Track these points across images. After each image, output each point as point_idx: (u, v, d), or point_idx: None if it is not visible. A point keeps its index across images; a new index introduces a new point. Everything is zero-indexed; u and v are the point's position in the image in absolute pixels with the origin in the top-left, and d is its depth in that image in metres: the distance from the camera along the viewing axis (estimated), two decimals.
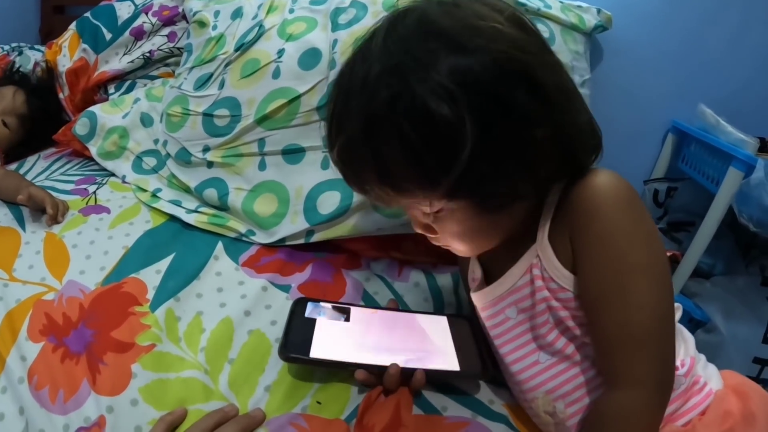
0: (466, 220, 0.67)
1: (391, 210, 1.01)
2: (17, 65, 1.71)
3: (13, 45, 1.85)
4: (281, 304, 0.93)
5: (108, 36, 1.62)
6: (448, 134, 0.58)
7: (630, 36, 1.62)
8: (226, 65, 1.23)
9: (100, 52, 1.61)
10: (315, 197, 1.07)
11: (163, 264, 0.99)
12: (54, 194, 1.17)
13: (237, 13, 1.34)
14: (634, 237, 0.64)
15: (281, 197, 1.10)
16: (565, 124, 0.63)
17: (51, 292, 0.94)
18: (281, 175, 1.12)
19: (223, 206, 1.15)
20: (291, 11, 1.27)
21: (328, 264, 1.05)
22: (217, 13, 1.39)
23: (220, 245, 1.07)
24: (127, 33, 1.61)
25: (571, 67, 1.33)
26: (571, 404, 0.70)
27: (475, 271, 0.84)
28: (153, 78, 1.62)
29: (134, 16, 1.64)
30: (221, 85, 1.22)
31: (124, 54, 1.61)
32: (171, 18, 1.62)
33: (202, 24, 1.40)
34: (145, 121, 1.37)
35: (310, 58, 1.14)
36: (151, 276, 0.97)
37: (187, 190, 1.21)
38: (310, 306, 0.88)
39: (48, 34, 2.19)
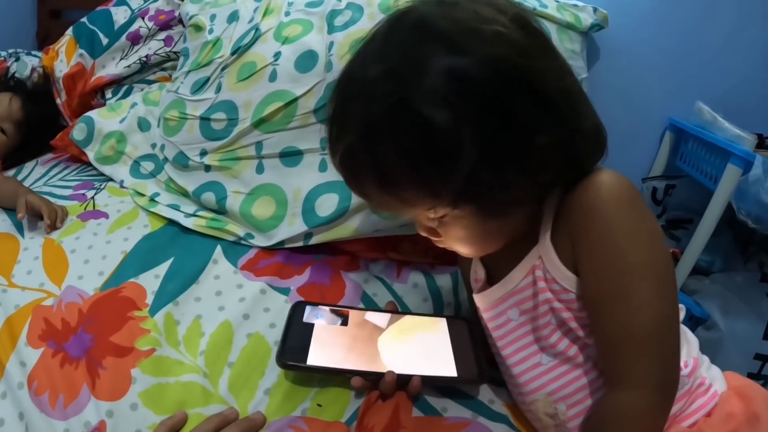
0: (470, 225, 0.67)
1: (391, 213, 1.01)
2: (13, 71, 1.71)
3: (10, 51, 1.85)
4: (280, 307, 0.93)
5: (105, 41, 1.62)
6: (446, 144, 0.57)
7: (626, 34, 1.62)
8: (223, 69, 1.24)
9: (97, 57, 1.61)
10: (313, 200, 1.07)
11: (162, 268, 0.99)
12: (52, 200, 1.17)
13: (233, 17, 1.34)
14: (636, 236, 0.63)
15: (279, 200, 1.10)
16: (569, 130, 0.62)
17: (50, 297, 0.94)
18: (279, 177, 1.12)
19: (221, 210, 1.15)
20: (287, 14, 1.27)
21: (326, 266, 1.05)
22: (213, 17, 1.39)
23: (218, 249, 1.07)
24: (123, 38, 1.61)
25: None
26: (573, 406, 0.70)
27: (478, 272, 0.83)
28: (150, 82, 1.62)
29: (131, 21, 1.64)
30: (218, 89, 1.22)
31: (121, 59, 1.61)
32: (167, 22, 1.62)
33: (198, 28, 1.40)
34: (143, 125, 1.37)
35: (306, 60, 1.14)
36: (150, 280, 0.97)
37: (185, 194, 1.21)
38: (308, 309, 0.88)
39: (45, 38, 2.19)
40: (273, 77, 1.15)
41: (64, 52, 1.66)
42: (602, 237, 0.63)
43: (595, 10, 1.47)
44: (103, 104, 1.57)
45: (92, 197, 1.23)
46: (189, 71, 1.32)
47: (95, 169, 1.36)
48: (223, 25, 1.34)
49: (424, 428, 0.74)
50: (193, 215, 1.15)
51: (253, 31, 1.24)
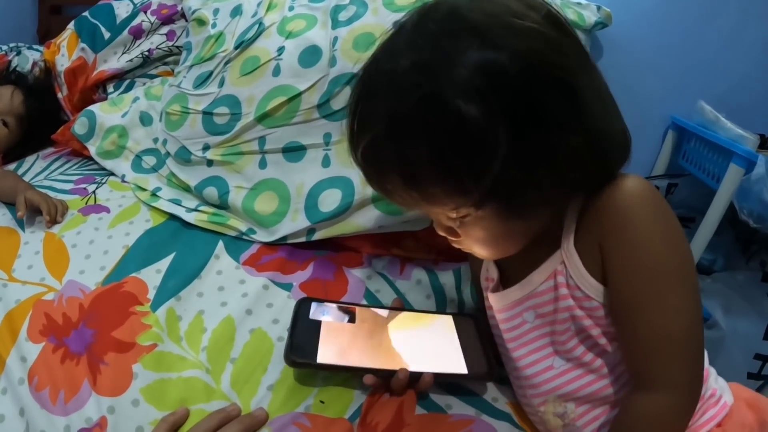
0: (491, 226, 0.65)
1: (393, 207, 1.00)
2: (14, 65, 1.70)
3: (11, 45, 1.85)
4: (283, 303, 0.93)
5: (106, 35, 1.61)
6: (479, 139, 0.55)
7: (629, 33, 1.62)
8: (226, 63, 1.23)
9: (98, 51, 1.60)
10: (316, 195, 1.06)
11: (164, 263, 0.99)
12: (53, 194, 1.17)
13: (236, 11, 1.34)
14: (668, 240, 0.63)
15: (282, 195, 1.10)
16: (600, 132, 0.61)
17: (51, 292, 0.93)
18: (282, 173, 1.12)
19: (223, 205, 1.14)
20: (291, 8, 1.27)
21: (329, 262, 1.04)
22: (216, 11, 1.39)
23: (220, 244, 1.06)
24: (125, 32, 1.60)
25: None
26: (582, 404, 0.70)
27: (490, 271, 0.82)
28: (152, 77, 1.61)
29: (133, 15, 1.63)
30: (221, 83, 1.21)
31: (123, 53, 1.61)
32: (170, 16, 1.61)
33: (201, 22, 1.40)
34: (145, 120, 1.37)
35: (310, 55, 1.14)
36: (152, 275, 0.96)
37: (186, 188, 1.20)
38: (314, 306, 0.87)
39: (45, 34, 2.18)
40: (276, 72, 1.15)
41: (66, 47, 1.65)
42: (636, 242, 0.62)
43: (598, 8, 1.47)
44: (105, 99, 1.56)
45: (93, 191, 1.23)
46: (192, 66, 1.32)
47: (96, 163, 1.36)
48: (227, 19, 1.34)
49: (427, 426, 0.74)
50: (195, 210, 1.14)
51: (257, 26, 1.23)
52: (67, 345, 0.84)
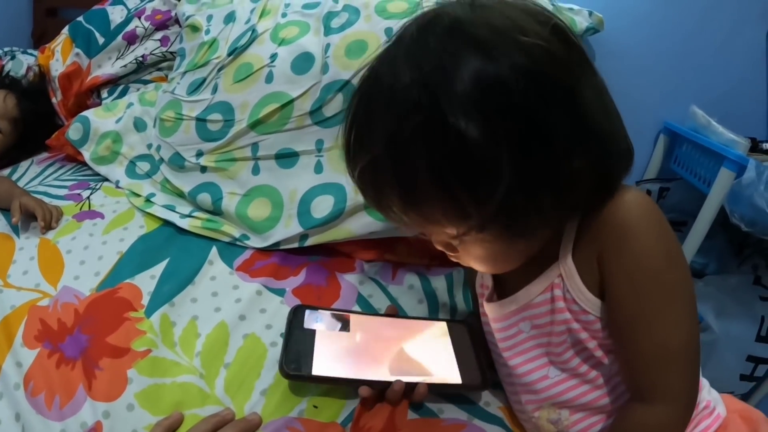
0: (491, 245, 0.64)
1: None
2: (8, 70, 1.70)
3: (6, 49, 1.85)
4: (276, 308, 0.94)
5: (101, 40, 1.62)
6: (482, 165, 0.53)
7: (622, 38, 1.63)
8: (219, 70, 1.24)
9: (93, 57, 1.60)
10: (309, 201, 1.07)
11: (158, 269, 1.00)
12: (48, 200, 1.17)
13: (230, 18, 1.34)
14: (669, 255, 0.62)
15: (275, 201, 1.10)
16: (605, 151, 0.59)
17: (46, 297, 0.94)
18: (275, 179, 1.12)
19: (216, 211, 1.15)
20: (284, 15, 1.28)
21: (322, 267, 1.05)
22: (209, 18, 1.39)
23: (214, 250, 1.07)
24: (119, 37, 1.61)
25: None
26: (576, 412, 0.71)
27: (485, 279, 0.81)
28: (146, 82, 1.61)
29: (127, 21, 1.64)
30: (214, 90, 1.22)
31: (117, 58, 1.61)
32: (164, 22, 1.62)
33: (194, 28, 1.40)
34: (139, 125, 1.37)
35: (303, 62, 1.14)
36: (146, 281, 0.97)
37: (180, 194, 1.21)
38: (308, 314, 0.86)
39: (41, 37, 2.18)
40: (269, 79, 1.15)
41: (60, 51, 1.66)
42: (638, 256, 0.61)
43: (590, 13, 1.47)
44: (99, 104, 1.56)
45: (88, 197, 1.24)
46: (185, 72, 1.33)
47: (91, 169, 1.36)
48: (220, 26, 1.34)
49: (420, 430, 0.75)
50: (189, 216, 1.15)
51: (250, 33, 1.24)
52: (62, 350, 0.84)
